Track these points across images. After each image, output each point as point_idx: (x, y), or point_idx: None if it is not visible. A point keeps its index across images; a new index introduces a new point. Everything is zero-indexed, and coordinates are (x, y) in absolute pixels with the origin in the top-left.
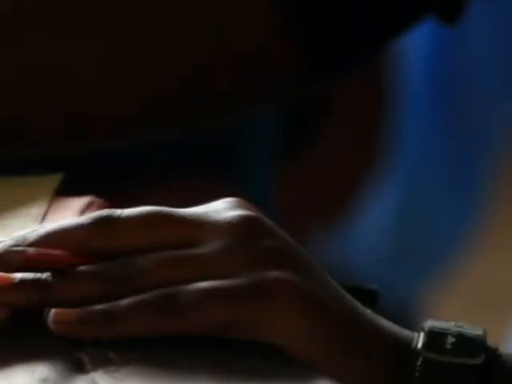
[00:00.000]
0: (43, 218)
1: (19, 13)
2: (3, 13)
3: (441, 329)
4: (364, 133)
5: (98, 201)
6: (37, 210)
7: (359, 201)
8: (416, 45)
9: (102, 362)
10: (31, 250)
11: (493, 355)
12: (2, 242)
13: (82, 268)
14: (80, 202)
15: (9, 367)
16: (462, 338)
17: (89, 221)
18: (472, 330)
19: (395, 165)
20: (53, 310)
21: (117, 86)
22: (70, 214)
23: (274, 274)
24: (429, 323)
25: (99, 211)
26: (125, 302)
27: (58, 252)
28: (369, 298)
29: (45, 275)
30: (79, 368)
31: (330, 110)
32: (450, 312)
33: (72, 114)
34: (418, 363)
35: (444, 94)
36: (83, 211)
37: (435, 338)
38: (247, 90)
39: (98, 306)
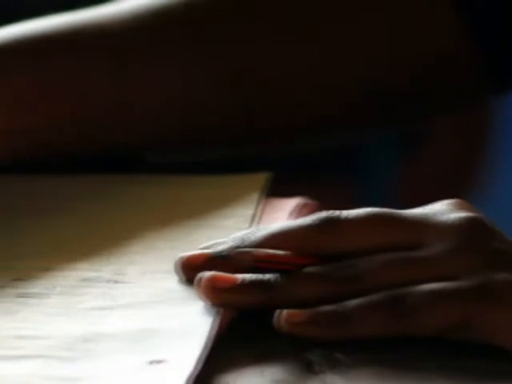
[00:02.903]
0: (255, 218)
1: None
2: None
3: None
4: (467, 147)
5: (309, 202)
6: (248, 210)
7: None
8: None
9: (332, 363)
10: (259, 251)
11: None
12: (222, 242)
13: (308, 269)
14: (291, 203)
15: (240, 368)
16: None
17: (313, 222)
18: None
19: (495, 180)
20: (282, 311)
21: (326, 86)
22: (282, 215)
23: (503, 276)
24: None
25: (321, 213)
26: (354, 303)
27: (283, 253)
28: None
29: (269, 276)
30: (309, 369)
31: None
32: None
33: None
34: None
35: None
36: (295, 212)
37: None
38: (427, 93)
39: (328, 307)
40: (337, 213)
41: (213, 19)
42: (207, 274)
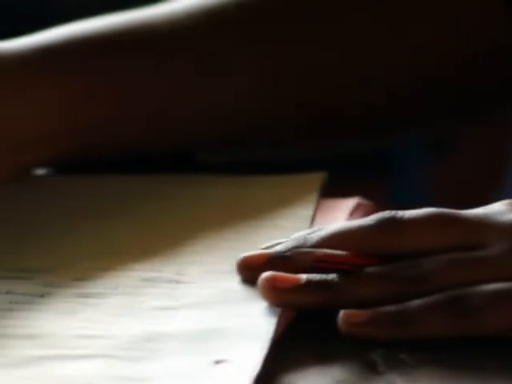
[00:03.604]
0: (313, 219)
1: (297, 14)
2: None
3: None
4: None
5: (366, 202)
6: (306, 210)
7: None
8: None
9: (395, 364)
10: (319, 251)
11: None
12: (282, 242)
13: (368, 269)
14: (348, 203)
15: (303, 368)
16: None
17: (374, 222)
18: None
19: None
20: (342, 311)
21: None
22: (340, 215)
23: None
24: None
25: (382, 213)
26: (416, 303)
27: (344, 253)
28: None
29: (330, 276)
30: (372, 369)
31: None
32: None
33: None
34: None
35: None
36: (352, 213)
37: None
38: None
39: (389, 307)
40: (398, 213)
41: (266, 19)
42: (266, 273)
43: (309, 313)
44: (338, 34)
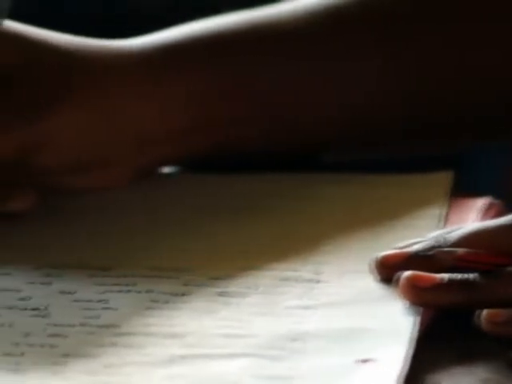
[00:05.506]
0: (445, 218)
1: (419, 13)
2: (405, 14)
3: None
4: None
5: (497, 202)
6: (437, 210)
7: None
8: None
9: None
10: (461, 250)
11: None
12: (418, 242)
13: (509, 269)
14: (479, 202)
15: (447, 367)
16: None
17: None
18: None
19: None
20: (486, 311)
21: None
22: (472, 215)
23: None
24: None
25: None
26: None
27: (485, 253)
28: None
29: (471, 275)
30: None
31: None
32: None
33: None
34: None
35: None
36: (485, 212)
37: None
38: None
39: None
40: None
41: (392, 18)
42: (407, 273)
43: (447, 312)
44: (468, 34)
